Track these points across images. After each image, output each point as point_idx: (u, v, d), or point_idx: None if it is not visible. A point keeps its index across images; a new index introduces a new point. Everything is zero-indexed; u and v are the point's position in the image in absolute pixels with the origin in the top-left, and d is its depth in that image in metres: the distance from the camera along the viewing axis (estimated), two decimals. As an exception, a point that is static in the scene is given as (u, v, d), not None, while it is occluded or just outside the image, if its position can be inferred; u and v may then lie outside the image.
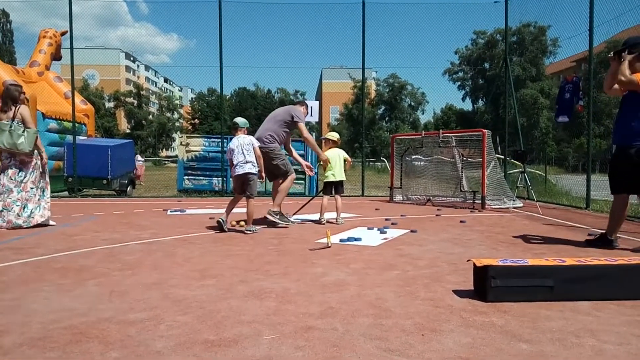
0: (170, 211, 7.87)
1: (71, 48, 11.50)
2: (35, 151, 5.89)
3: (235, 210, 5.90)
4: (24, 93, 6.12)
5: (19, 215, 5.76)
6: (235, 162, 5.67)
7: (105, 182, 11.45)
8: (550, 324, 2.39)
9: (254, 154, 5.68)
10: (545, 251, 4.38)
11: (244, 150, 5.66)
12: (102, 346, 2.08)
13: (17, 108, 5.83)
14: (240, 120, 5.99)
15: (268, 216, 6.02)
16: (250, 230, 5.59)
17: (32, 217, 5.84)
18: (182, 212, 7.73)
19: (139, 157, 20.08)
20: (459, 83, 56.06)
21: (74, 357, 1.96)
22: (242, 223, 5.93)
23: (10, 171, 5.78)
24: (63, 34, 13.98)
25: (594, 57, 8.94)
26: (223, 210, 5.97)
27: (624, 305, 2.71)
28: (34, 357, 1.96)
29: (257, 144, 5.77)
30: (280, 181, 6.20)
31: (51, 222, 6.06)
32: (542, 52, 48.64)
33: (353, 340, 2.16)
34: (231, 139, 5.91)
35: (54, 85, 13.37)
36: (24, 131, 5.73)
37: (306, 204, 7.41)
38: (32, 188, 5.87)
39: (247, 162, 5.64)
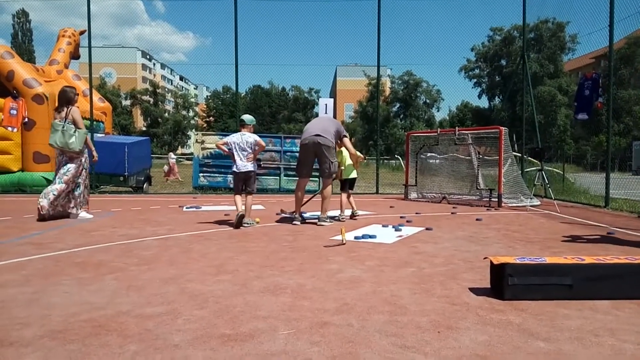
0: (186, 208, 7.94)
1: (89, 47, 11.64)
2: (82, 149, 6.33)
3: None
4: (78, 95, 6.63)
5: (51, 204, 6.14)
6: (236, 159, 5.89)
7: (122, 178, 11.60)
8: (568, 323, 2.36)
9: (253, 153, 5.90)
10: (564, 250, 4.32)
11: (247, 147, 5.89)
12: (121, 339, 2.11)
13: (69, 109, 6.28)
14: (246, 117, 6.12)
15: (322, 223, 6.00)
16: (248, 224, 5.82)
17: (58, 206, 6.24)
18: (198, 209, 7.79)
19: (172, 154, 20.36)
20: (475, 80, 55.49)
21: (93, 350, 1.99)
22: (258, 219, 6.16)
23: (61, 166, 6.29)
24: (82, 33, 14.18)
25: (614, 53, 8.77)
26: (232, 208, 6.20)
27: (645, 304, 2.67)
28: (54, 349, 1.99)
29: (261, 142, 5.95)
30: (324, 185, 6.19)
31: (80, 215, 6.43)
32: (560, 49, 47.92)
33: (369, 337, 2.16)
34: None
35: (73, 83, 13.54)
36: (75, 131, 6.18)
37: (308, 200, 7.41)
38: (71, 182, 6.29)
39: (248, 160, 5.88)
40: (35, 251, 4.10)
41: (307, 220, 6.30)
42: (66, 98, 6.30)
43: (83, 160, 6.41)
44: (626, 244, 4.69)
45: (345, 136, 6.39)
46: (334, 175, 6.28)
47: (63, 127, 6.15)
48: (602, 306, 2.63)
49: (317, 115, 6.43)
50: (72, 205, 6.41)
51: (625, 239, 5.03)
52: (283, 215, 6.89)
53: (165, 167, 19.18)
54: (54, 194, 6.14)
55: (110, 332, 2.19)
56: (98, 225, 5.81)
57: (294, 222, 6.08)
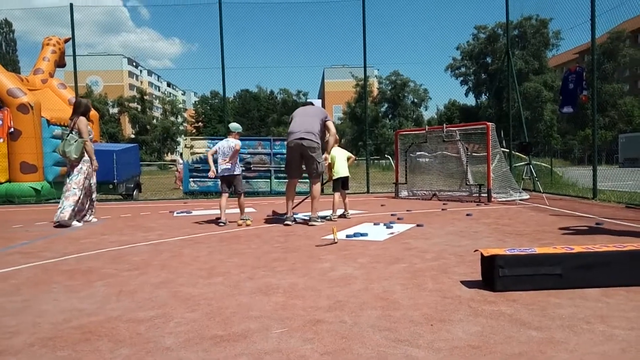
0: (177, 213, 7.89)
1: (74, 55, 11.57)
2: (85, 157, 6.53)
3: (238, 210, 6.53)
4: (89, 106, 6.82)
5: (61, 210, 6.34)
6: (219, 163, 6.32)
7: (111, 186, 11.50)
8: (560, 311, 2.38)
9: (235, 156, 6.34)
10: (553, 241, 4.36)
11: (227, 151, 6.31)
12: (112, 344, 2.08)
13: (77, 119, 6.53)
14: (231, 125, 6.57)
15: (314, 223, 5.98)
16: (243, 220, 6.28)
17: (62, 213, 6.31)
18: (189, 214, 7.75)
19: (179, 160, 20.21)
20: (462, 78, 55.91)
21: (84, 355, 1.97)
22: (249, 222, 6.26)
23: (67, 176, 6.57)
24: (66, 41, 14.03)
25: (597, 47, 8.88)
26: (229, 211, 6.64)
27: (634, 291, 2.70)
28: (44, 356, 1.97)
29: (238, 145, 6.34)
30: (312, 185, 6.14)
31: (73, 224, 6.39)
32: (544, 45, 48.44)
33: (362, 332, 2.15)
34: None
35: (58, 92, 13.41)
36: (76, 141, 6.41)
37: (301, 201, 7.42)
38: (74, 189, 6.43)
39: (230, 164, 6.30)
40: (24, 260, 4.05)
41: (298, 221, 6.30)
42: (79, 108, 6.61)
43: (84, 168, 6.52)
44: (614, 233, 4.75)
45: (328, 120, 6.34)
46: (323, 174, 6.27)
47: (67, 135, 6.48)
48: (593, 294, 2.66)
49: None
50: (75, 213, 6.45)
51: (613, 228, 5.09)
52: (276, 216, 6.90)
53: (176, 173, 19.03)
54: (61, 207, 6.37)
55: (101, 337, 2.17)
56: (87, 233, 5.75)
57: (286, 223, 6.06)
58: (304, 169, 6.23)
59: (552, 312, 2.37)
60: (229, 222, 6.32)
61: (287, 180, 6.45)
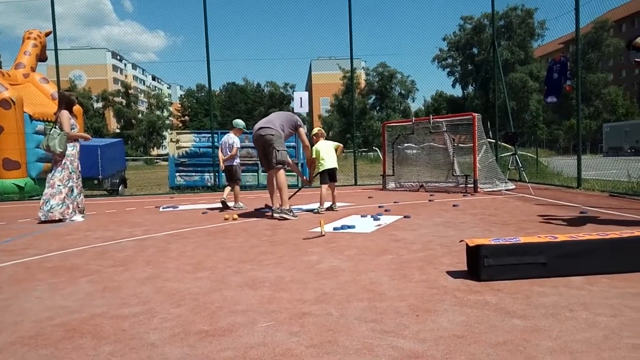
0: (163, 208, 7.83)
1: (55, 49, 11.37)
2: (67, 152, 6.38)
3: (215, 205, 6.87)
4: (72, 99, 6.64)
5: (40, 209, 6.26)
6: (223, 156, 7.35)
7: (96, 182, 11.39)
8: (544, 300, 2.40)
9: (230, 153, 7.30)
10: (538, 230, 4.40)
11: (227, 148, 7.34)
12: (96, 341, 2.06)
13: (59, 113, 6.46)
14: (234, 121, 7.59)
15: (283, 215, 5.93)
16: (238, 207, 7.17)
17: (52, 212, 6.23)
18: (175, 209, 7.69)
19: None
20: (449, 69, 56.08)
21: (67, 353, 1.94)
22: (236, 216, 6.21)
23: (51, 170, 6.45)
24: (47, 34, 13.78)
25: (581, 37, 8.94)
26: (216, 205, 7.30)
27: (616, 278, 2.73)
28: (26, 355, 1.94)
29: (235, 146, 7.30)
30: (274, 177, 6.10)
31: (78, 219, 6.43)
32: (529, 35, 48.73)
33: (348, 324, 2.15)
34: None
35: (40, 86, 13.18)
36: (58, 134, 6.29)
37: (293, 195, 7.41)
38: (58, 185, 6.31)
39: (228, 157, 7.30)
40: (6, 258, 3.98)
41: (295, 213, 6.28)
42: (62, 102, 6.53)
43: (68, 163, 6.38)
44: (598, 221, 4.81)
45: (300, 126, 6.44)
46: (284, 163, 6.12)
47: (50, 130, 6.38)
48: (576, 282, 2.69)
49: (292, 109, 6.59)
50: (70, 210, 6.36)
51: (597, 216, 5.16)
52: (265, 209, 6.92)
53: None
54: (43, 199, 6.30)
55: (84, 334, 2.14)
56: (71, 229, 5.68)
57: (267, 213, 6.25)
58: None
59: (536, 301, 2.39)
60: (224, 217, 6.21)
61: None
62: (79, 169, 6.60)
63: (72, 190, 6.42)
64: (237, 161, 7.40)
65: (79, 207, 6.58)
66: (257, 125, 6.24)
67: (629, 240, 2.86)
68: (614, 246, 2.84)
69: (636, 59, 4.56)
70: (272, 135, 6.03)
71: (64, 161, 6.36)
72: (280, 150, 6.02)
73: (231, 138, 7.36)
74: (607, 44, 46.59)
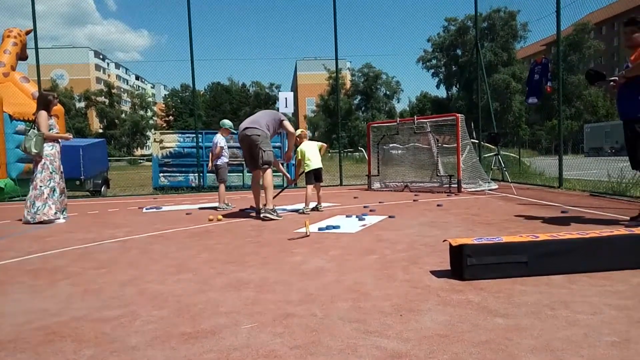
0: (146, 209, 7.74)
1: (36, 48, 11.19)
2: (46, 152, 6.29)
3: (209, 205, 6.99)
4: (55, 98, 6.61)
5: (28, 212, 6.20)
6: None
7: (78, 182, 11.21)
8: (525, 298, 2.43)
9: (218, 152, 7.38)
10: (520, 229, 4.45)
11: (214, 148, 7.42)
12: (76, 344, 2.03)
13: (37, 113, 6.40)
14: (221, 122, 7.70)
15: (267, 215, 5.89)
16: (222, 208, 7.14)
17: (38, 214, 6.18)
18: (158, 209, 7.62)
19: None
20: (433, 70, 56.49)
21: (46, 357, 1.91)
22: (220, 217, 6.18)
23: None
24: (28, 32, 13.53)
25: (563, 39, 9.08)
26: (200, 206, 7.38)
27: (596, 276, 2.77)
28: (5, 359, 1.90)
29: (217, 145, 7.34)
30: (262, 176, 6.08)
31: (60, 220, 6.33)
32: (512, 37, 49.31)
33: (332, 325, 2.15)
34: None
35: (21, 86, 12.93)
36: (35, 135, 6.22)
37: (277, 195, 7.40)
38: (40, 187, 6.23)
39: (217, 157, 7.41)
40: (-16, 261, 3.90)
41: (280, 214, 6.25)
42: (40, 102, 6.46)
43: (48, 163, 6.28)
44: (579, 220, 4.88)
45: (284, 120, 6.41)
46: (271, 164, 6.12)
47: (29, 131, 6.31)
48: (557, 280, 2.72)
49: (277, 109, 6.61)
50: (53, 211, 6.24)
51: (577, 216, 5.24)
52: (250, 210, 6.91)
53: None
54: (29, 201, 6.24)
55: (64, 338, 2.11)
56: (52, 231, 5.59)
57: (251, 214, 6.28)
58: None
59: (518, 300, 2.42)
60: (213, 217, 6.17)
61: None
62: (61, 169, 6.49)
63: (54, 191, 6.30)
64: (221, 161, 7.41)
65: (60, 207, 6.45)
66: (242, 125, 6.19)
67: (609, 239, 2.91)
68: (594, 245, 2.88)
69: (612, 79, 4.63)
70: (259, 135, 6.00)
71: (43, 161, 6.27)
72: (266, 151, 6.01)
73: (216, 138, 7.43)
74: (587, 46, 47.37)
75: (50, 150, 6.32)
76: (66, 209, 6.62)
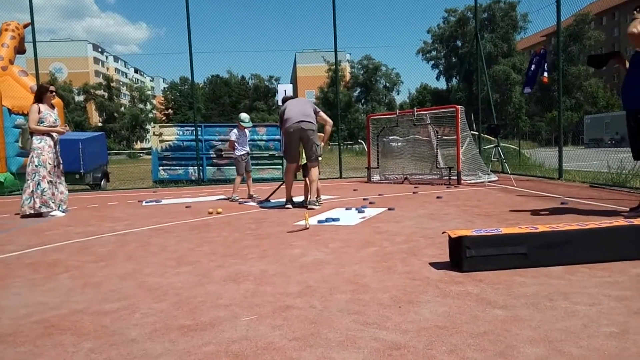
0: (146, 202, 7.74)
1: (34, 41, 11.12)
2: (34, 145, 6.23)
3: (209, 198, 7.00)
4: (41, 90, 6.47)
5: (21, 205, 6.24)
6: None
7: (77, 176, 11.20)
8: (524, 290, 2.43)
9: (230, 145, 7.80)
10: (520, 221, 4.45)
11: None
12: (75, 337, 2.03)
13: (30, 107, 6.35)
14: (240, 115, 7.85)
15: (312, 207, 6.04)
16: (232, 199, 7.38)
17: (23, 207, 6.18)
18: (158, 203, 7.62)
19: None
20: (433, 62, 56.32)
21: (45, 350, 1.91)
22: (220, 210, 6.13)
23: None
24: (26, 26, 13.45)
25: (563, 30, 9.03)
26: (200, 200, 7.37)
27: (595, 267, 2.77)
28: (3, 352, 1.90)
29: (232, 137, 7.61)
30: (310, 169, 6.21)
31: (54, 214, 6.28)
32: (512, 28, 49.12)
33: (331, 317, 2.16)
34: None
35: (19, 79, 12.89)
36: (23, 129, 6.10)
37: (277, 189, 7.41)
38: (27, 180, 6.23)
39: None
40: (-17, 255, 3.90)
41: (296, 205, 6.33)
42: (35, 95, 6.43)
43: (34, 156, 6.22)
44: (578, 212, 4.88)
45: (319, 111, 6.46)
46: (321, 157, 6.34)
47: (22, 126, 6.15)
48: (556, 272, 2.72)
49: (277, 101, 6.57)
50: (38, 205, 6.18)
51: (577, 207, 5.23)
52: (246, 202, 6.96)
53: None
54: (24, 195, 6.24)
55: (64, 331, 2.11)
56: (52, 224, 5.59)
57: (286, 206, 6.23)
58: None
59: (517, 291, 2.42)
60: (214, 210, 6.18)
61: (260, 167, 6.45)
62: (54, 162, 6.36)
63: (39, 184, 6.17)
64: (236, 154, 7.61)
65: (54, 202, 6.35)
66: (293, 117, 6.08)
67: (608, 230, 2.91)
68: (593, 236, 2.88)
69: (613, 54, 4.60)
70: (313, 130, 6.12)
71: (31, 155, 6.26)
72: (319, 145, 6.21)
73: (231, 131, 7.82)
74: (588, 37, 47.19)
75: (38, 143, 6.22)
76: (64, 202, 6.54)
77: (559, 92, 8.99)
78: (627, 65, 4.60)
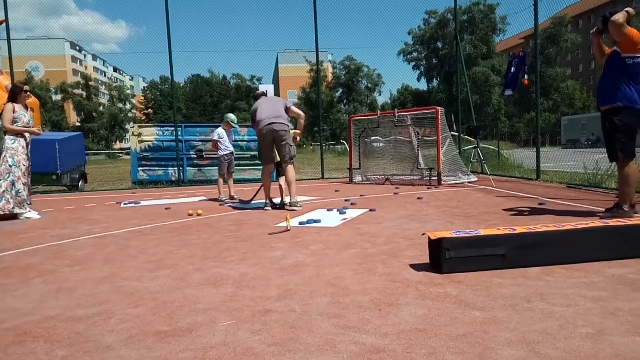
0: (124, 203, 7.62)
1: (8, 39, 10.85)
2: (7, 145, 6.14)
3: (189, 199, 6.73)
4: (15, 90, 6.36)
5: None
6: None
7: (54, 177, 10.96)
8: (502, 291, 2.45)
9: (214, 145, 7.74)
10: (498, 222, 4.50)
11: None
12: (48, 345, 1.98)
13: (4, 106, 6.23)
14: (225, 115, 7.88)
15: (294, 208, 5.97)
16: (220, 200, 7.36)
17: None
18: (137, 204, 7.50)
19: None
20: (414, 63, 56.73)
21: (17, 359, 1.85)
22: (200, 212, 6.04)
23: None
24: (0, 23, 13.17)
25: (540, 32, 9.18)
26: (180, 200, 7.22)
27: (572, 268, 2.81)
28: (-28, 362, 1.84)
29: (216, 136, 7.56)
30: (285, 170, 6.12)
31: (23, 216, 6.16)
32: (491, 30, 49.78)
33: (311, 320, 2.14)
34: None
35: (-7, 78, 12.60)
36: None
37: (257, 192, 7.36)
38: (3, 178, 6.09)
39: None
40: (-46, 259, 3.79)
41: (277, 206, 6.29)
42: (9, 94, 6.34)
43: (7, 156, 6.11)
44: (556, 212, 4.95)
45: (290, 105, 6.41)
46: (294, 158, 6.24)
47: None
48: (534, 273, 2.75)
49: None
50: (10, 206, 6.06)
51: (554, 208, 5.31)
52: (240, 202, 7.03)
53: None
54: None
55: (36, 338, 2.05)
56: (26, 227, 5.46)
57: (265, 208, 6.17)
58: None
59: (495, 292, 2.44)
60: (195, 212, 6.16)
61: (242, 168, 6.42)
62: (25, 163, 6.27)
63: (13, 184, 6.10)
64: (220, 153, 7.56)
65: (29, 203, 6.32)
66: (264, 118, 5.99)
67: (584, 231, 2.95)
68: (569, 237, 2.92)
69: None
70: (285, 130, 6.03)
71: (3, 154, 6.13)
72: (292, 146, 6.14)
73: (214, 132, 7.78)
74: (565, 39, 48.11)
75: (12, 144, 6.14)
76: (26, 202, 6.35)
77: (537, 94, 9.13)
78: (604, 49, 4.67)
